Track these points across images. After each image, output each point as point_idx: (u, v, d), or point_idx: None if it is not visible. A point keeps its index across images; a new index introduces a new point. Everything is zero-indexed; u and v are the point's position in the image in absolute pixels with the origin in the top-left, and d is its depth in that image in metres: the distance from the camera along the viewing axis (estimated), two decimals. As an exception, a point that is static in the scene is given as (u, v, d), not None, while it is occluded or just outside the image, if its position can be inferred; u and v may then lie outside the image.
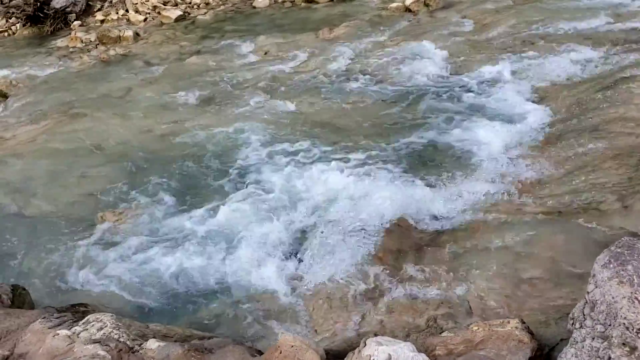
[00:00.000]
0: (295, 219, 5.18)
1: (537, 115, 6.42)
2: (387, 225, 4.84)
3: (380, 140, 6.48)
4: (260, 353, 3.06)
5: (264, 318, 4.22)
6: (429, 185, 5.40)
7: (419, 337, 3.40)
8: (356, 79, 8.33)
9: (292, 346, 2.71)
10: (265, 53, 10.20)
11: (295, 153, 6.38)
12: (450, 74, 8.01)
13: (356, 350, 2.70)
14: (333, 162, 6.03)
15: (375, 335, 3.11)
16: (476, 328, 3.06)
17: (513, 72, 7.61)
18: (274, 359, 2.77)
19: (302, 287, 4.36)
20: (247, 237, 4.96)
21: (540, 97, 6.89)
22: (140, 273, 4.84)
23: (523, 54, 8.15)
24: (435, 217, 4.97)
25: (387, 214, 4.96)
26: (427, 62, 8.44)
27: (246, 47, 10.70)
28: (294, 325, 4.07)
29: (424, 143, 6.33)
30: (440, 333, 3.27)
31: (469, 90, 7.40)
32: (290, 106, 7.70)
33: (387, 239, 4.66)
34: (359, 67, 8.79)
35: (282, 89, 8.38)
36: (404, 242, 4.64)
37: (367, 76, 8.36)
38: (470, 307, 3.88)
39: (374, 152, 6.21)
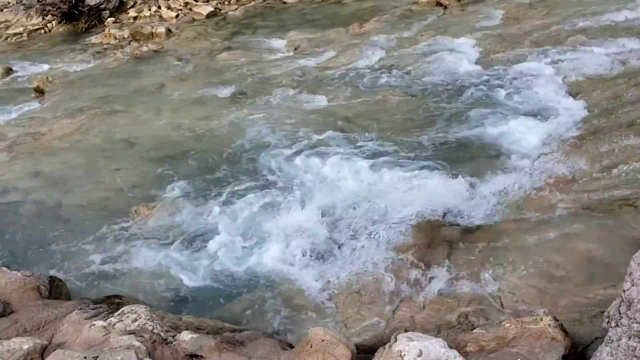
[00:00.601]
0: (325, 213, 5.17)
1: (571, 110, 6.30)
2: (418, 221, 4.82)
3: (411, 134, 6.44)
4: (291, 346, 3.08)
5: (294, 312, 4.23)
6: (461, 180, 5.34)
7: (449, 333, 3.37)
8: (386, 74, 8.30)
9: (323, 340, 2.73)
10: (296, 48, 10.23)
11: (326, 147, 6.39)
12: (483, 69, 7.91)
13: (387, 346, 2.70)
14: (363, 157, 6.03)
15: (406, 331, 3.10)
16: (508, 325, 3.04)
17: (547, 66, 7.48)
18: (304, 352, 2.78)
19: (332, 281, 4.36)
20: (277, 231, 4.99)
21: (575, 91, 6.75)
22: (172, 266, 4.90)
23: (557, 48, 8.00)
24: (466, 213, 4.92)
25: (417, 209, 4.94)
26: (459, 56, 8.35)
27: (276, 42, 10.75)
28: (323, 320, 4.07)
29: (456, 138, 6.27)
30: (472, 330, 3.25)
31: (502, 85, 7.30)
32: (321, 101, 7.72)
33: (418, 234, 4.64)
34: (390, 62, 8.75)
35: (312, 83, 8.40)
36: (434, 238, 4.61)
37: (398, 71, 8.32)
38: (501, 304, 3.84)
39: (404, 147, 6.18)
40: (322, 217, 5.12)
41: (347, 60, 9.08)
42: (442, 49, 8.79)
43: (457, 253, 4.41)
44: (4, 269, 3.79)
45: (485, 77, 7.61)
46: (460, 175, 5.40)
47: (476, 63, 8.13)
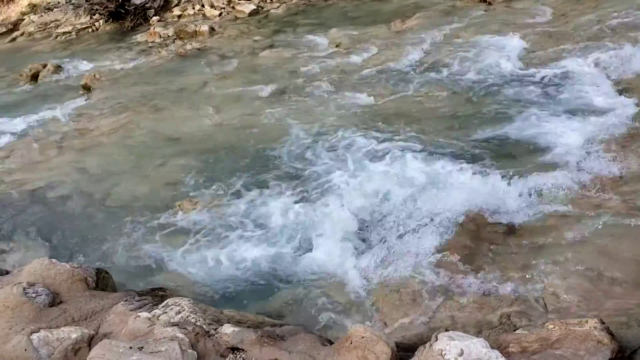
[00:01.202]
0: (366, 210, 5.16)
1: (620, 108, 6.11)
2: (460, 219, 4.76)
3: (454, 132, 6.37)
4: (330, 342, 3.09)
5: (333, 308, 4.24)
6: (504, 178, 5.25)
7: (491, 333, 3.33)
8: (429, 71, 8.22)
9: (363, 337, 2.73)
10: (337, 45, 10.23)
11: (367, 145, 6.36)
12: (528, 66, 7.73)
13: (427, 344, 2.68)
14: (405, 154, 5.98)
15: (446, 330, 3.07)
16: (552, 326, 2.98)
17: (595, 64, 7.26)
18: (344, 348, 2.79)
19: (372, 279, 4.36)
20: (318, 227, 5.01)
21: (624, 89, 6.55)
22: (214, 260, 4.98)
23: (605, 45, 7.74)
24: (510, 212, 4.83)
25: (460, 207, 4.88)
26: (504, 53, 8.20)
27: (318, 39, 10.77)
28: (362, 317, 4.08)
29: (499, 135, 6.16)
30: (514, 330, 3.19)
31: (547, 82, 7.14)
32: (362, 98, 7.70)
33: (460, 233, 4.59)
34: (432, 59, 8.66)
35: (354, 81, 8.38)
36: (477, 236, 4.55)
37: (440, 68, 8.22)
38: (545, 305, 3.77)
39: (447, 144, 6.11)
40: (363, 214, 5.11)
41: (388, 57, 9.02)
42: (486, 45, 8.64)
43: (500, 252, 4.34)
44: (54, 260, 3.90)
45: (530, 74, 7.44)
46: (504, 174, 5.31)
47: (521, 60, 7.95)
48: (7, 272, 4.10)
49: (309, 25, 11.97)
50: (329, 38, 10.72)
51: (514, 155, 5.78)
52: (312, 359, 2.81)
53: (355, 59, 9.29)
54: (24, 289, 3.43)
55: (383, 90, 7.86)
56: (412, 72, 8.30)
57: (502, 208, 4.88)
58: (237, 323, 3.54)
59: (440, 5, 11.45)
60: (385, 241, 4.73)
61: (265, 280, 4.69)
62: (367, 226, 4.98)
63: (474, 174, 5.42)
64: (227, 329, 3.08)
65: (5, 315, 3.28)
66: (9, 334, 3.13)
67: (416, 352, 2.75)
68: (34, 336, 2.97)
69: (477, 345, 2.54)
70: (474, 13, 10.57)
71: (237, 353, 2.92)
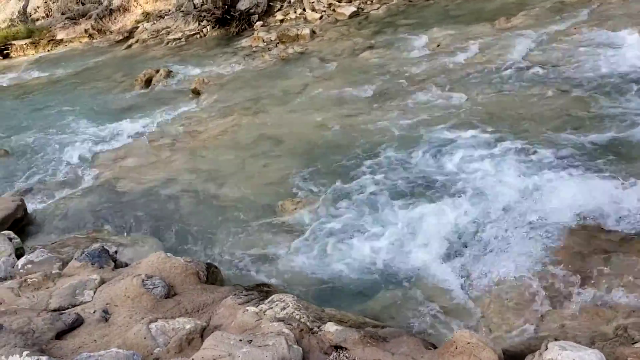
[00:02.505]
0: (470, 213, 5.06)
1: None
2: (571, 224, 4.54)
3: (563, 133, 6.09)
4: (434, 346, 3.06)
5: (435, 312, 4.18)
6: (618, 182, 4.95)
7: (605, 345, 3.15)
8: (536, 70, 7.91)
9: (469, 343, 2.68)
10: (438, 45, 10.09)
11: (471, 146, 6.24)
12: (645, 63, 7.25)
13: (537, 353, 2.59)
14: (511, 156, 5.81)
15: (556, 339, 2.95)
16: (676, 342, 2.78)
17: None
18: (448, 353, 2.76)
19: (476, 283, 4.26)
20: (421, 230, 4.97)
21: None
22: (315, 259, 5.06)
23: None
24: (625, 218, 4.55)
25: (570, 212, 4.66)
26: (618, 50, 7.73)
27: (419, 40, 10.67)
28: (466, 322, 3.99)
29: (612, 137, 5.82)
30: (633, 344, 3.01)
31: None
32: (465, 98, 7.55)
33: (571, 239, 4.38)
34: (539, 57, 8.33)
35: (456, 81, 8.24)
36: (589, 243, 4.32)
37: (548, 66, 7.90)
38: (667, 319, 3.52)
39: (555, 146, 5.86)
40: (468, 217, 5.01)
41: (492, 56, 8.79)
42: (599, 42, 8.18)
43: (614, 261, 4.09)
44: (169, 254, 4.14)
45: (647, 72, 6.98)
46: (619, 179, 5.01)
47: (636, 57, 7.45)
48: (127, 265, 4.40)
49: (410, 25, 11.89)
50: (429, 38, 10.60)
51: (630, 158, 5.43)
52: (416, 361, 2.80)
53: (457, 58, 9.13)
54: (143, 280, 3.66)
55: (487, 90, 7.66)
56: (517, 71, 8.03)
57: (618, 214, 4.60)
58: (339, 322, 3.58)
59: (547, 1, 10.99)
60: (489, 246, 4.61)
61: (366, 281, 4.71)
62: (471, 230, 4.87)
63: (585, 178, 5.17)
64: (331, 327, 3.13)
65: (126, 305, 3.53)
66: (130, 322, 3.37)
67: (524, 361, 2.66)
68: (152, 325, 3.17)
69: (591, 357, 2.42)
70: (584, 9, 10.05)
71: (340, 351, 2.96)
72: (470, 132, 6.54)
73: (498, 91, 7.56)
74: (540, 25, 9.69)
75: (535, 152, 5.82)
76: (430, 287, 4.38)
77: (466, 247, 4.72)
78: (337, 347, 3.00)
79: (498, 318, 3.86)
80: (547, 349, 2.56)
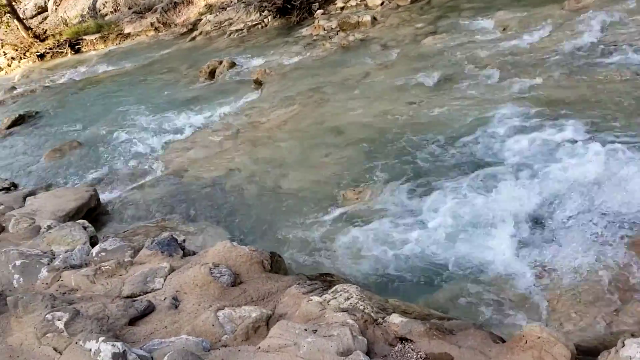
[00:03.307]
0: (539, 201, 4.89)
1: None
2: (651, 216, 4.32)
3: (639, 118, 5.78)
4: (502, 340, 2.99)
5: (502, 304, 4.08)
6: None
7: (687, 343, 2.98)
8: (608, 52, 7.53)
9: (539, 337, 2.60)
10: (504, 29, 9.78)
11: (540, 133, 6.02)
12: None
13: (612, 350, 2.48)
14: (582, 142, 5.56)
15: (633, 335, 2.82)
16: None
17: None
18: (518, 347, 2.68)
19: (546, 275, 4.12)
20: (486, 220, 4.85)
21: None
22: (377, 249, 5.03)
23: None
24: None
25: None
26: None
27: (484, 23, 10.38)
28: (534, 316, 3.88)
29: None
30: None
31: None
32: (533, 83, 7.28)
33: (648, 231, 4.17)
34: (612, 39, 7.92)
35: (523, 65, 7.96)
36: (668, 235, 4.11)
37: (623, 48, 7.49)
38: None
39: (630, 132, 5.56)
40: (536, 206, 4.83)
41: (562, 39, 8.43)
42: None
43: (698, 255, 3.88)
44: (234, 243, 4.21)
45: None
46: None
47: None
48: (194, 253, 4.51)
49: (474, 9, 11.57)
50: (495, 21, 10.28)
51: None
52: (483, 355, 2.74)
53: (524, 41, 8.82)
54: (210, 269, 3.75)
55: (555, 74, 7.37)
56: (588, 54, 7.68)
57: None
58: (403, 313, 3.55)
59: (622, -21, 10.42)
60: (559, 235, 4.44)
61: (430, 272, 4.64)
62: (539, 220, 4.71)
63: (665, 165, 4.89)
64: (396, 318, 3.11)
65: (194, 292, 3.63)
66: (198, 309, 3.46)
67: (599, 357, 2.56)
68: (220, 313, 3.24)
69: (673, 356, 2.30)
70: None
71: (406, 343, 2.93)
72: (538, 118, 6.31)
73: (568, 75, 7.25)
74: (614, 5, 9.21)
75: (608, 139, 5.55)
76: (497, 278, 4.27)
77: (535, 236, 4.56)
78: (402, 339, 2.98)
79: (569, 311, 3.72)
80: (624, 345, 2.45)
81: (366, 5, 14.33)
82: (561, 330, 3.49)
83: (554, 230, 4.55)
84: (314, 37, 13.23)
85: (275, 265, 4.37)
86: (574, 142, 5.64)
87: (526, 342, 2.65)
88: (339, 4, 14.96)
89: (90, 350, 2.67)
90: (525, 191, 5.06)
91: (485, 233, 4.71)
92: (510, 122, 6.42)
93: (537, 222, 4.70)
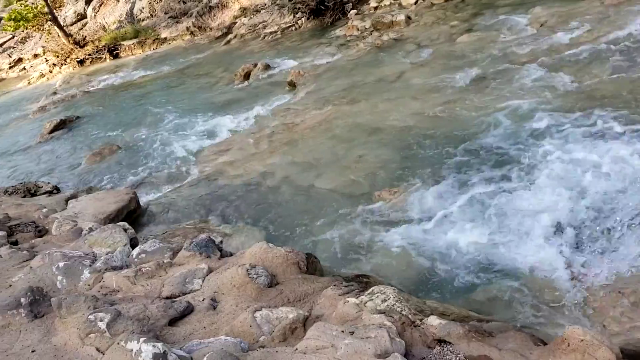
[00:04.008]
0: (580, 202, 4.78)
1: None
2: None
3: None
4: (544, 343, 2.93)
5: (543, 307, 4.00)
6: None
7: None
8: (652, 47, 7.32)
9: (582, 340, 2.54)
10: (541, 25, 9.59)
11: (578, 132, 5.88)
12: None
13: (659, 354, 2.41)
14: (624, 141, 5.42)
15: (681, 339, 2.73)
16: None
17: None
18: (560, 350, 2.63)
19: (588, 276, 4.03)
20: (525, 219, 4.77)
21: None
22: (414, 250, 4.99)
23: None
24: None
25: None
26: None
27: (520, 20, 10.20)
28: (576, 318, 3.79)
29: None
30: None
31: None
32: (572, 80, 7.12)
33: (696, 231, 4.04)
34: (655, 33, 7.71)
35: (561, 61, 7.80)
36: None
37: (667, 43, 7.28)
38: None
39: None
40: (578, 206, 4.73)
41: (602, 35, 8.22)
42: None
43: None
44: (271, 244, 4.23)
45: None
46: None
47: None
48: (231, 254, 4.55)
49: (510, 5, 11.39)
50: (532, 17, 10.11)
51: None
52: (524, 358, 2.69)
53: (562, 38, 8.63)
54: (247, 270, 3.77)
55: (595, 70, 7.19)
56: (630, 50, 7.46)
57: None
58: (441, 315, 3.51)
59: (665, -29, 10.11)
60: (603, 236, 4.33)
61: (467, 273, 4.58)
62: (581, 219, 4.60)
63: None
64: (434, 320, 3.07)
65: (232, 293, 3.66)
66: (236, 310, 3.49)
67: (646, 362, 2.48)
68: (257, 314, 3.26)
69: None
70: None
71: (444, 346, 2.90)
72: (577, 116, 6.17)
73: (609, 71, 7.07)
74: (657, -3, 8.97)
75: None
76: (537, 279, 4.20)
77: (577, 237, 4.46)
78: (441, 341, 2.95)
79: (613, 314, 3.63)
80: (671, 350, 2.37)
81: (400, 4, 14.24)
82: (604, 333, 3.40)
83: (597, 230, 4.45)
84: (348, 38, 13.21)
85: (311, 266, 4.37)
86: (615, 141, 5.50)
87: (569, 345, 2.59)
88: (373, 4, 14.90)
89: (132, 350, 2.72)
90: (567, 191, 4.95)
91: (525, 234, 4.63)
92: (550, 120, 6.29)
93: (578, 222, 4.59)
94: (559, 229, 4.56)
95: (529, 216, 4.80)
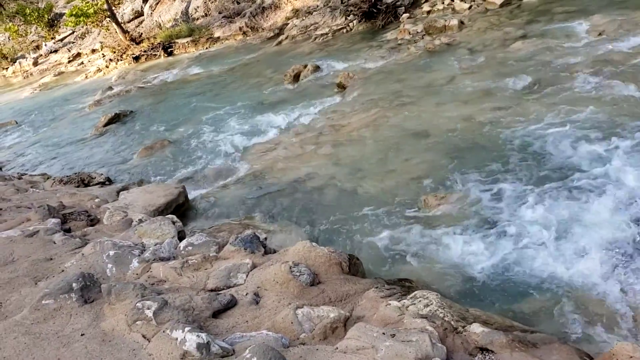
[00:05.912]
0: (630, 216, 4.63)
1: None
2: None
3: None
4: (590, 357, 2.86)
5: (588, 320, 3.90)
6: None
7: None
8: None
9: (632, 357, 2.47)
10: (600, 33, 9.32)
11: (637, 143, 5.69)
12: None
13: None
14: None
15: None
16: None
17: None
18: (607, 366, 2.56)
19: (637, 292, 3.90)
20: (573, 231, 4.65)
21: None
22: (459, 256, 4.93)
23: None
24: None
25: None
26: None
27: (578, 28, 9.94)
28: (624, 334, 3.68)
29: None
30: None
31: None
32: (630, 89, 6.89)
33: None
34: None
35: (620, 70, 7.56)
36: None
37: None
38: None
39: None
40: (627, 220, 4.58)
41: (664, 44, 7.95)
42: None
43: None
44: (314, 244, 4.26)
45: None
46: None
47: None
48: (275, 251, 4.61)
49: (568, 12, 11.11)
50: (590, 25, 9.82)
51: None
52: (569, 372, 2.63)
53: (622, 46, 8.37)
54: (290, 267, 3.81)
55: (657, 81, 6.95)
56: (695, 60, 7.18)
57: None
58: (484, 323, 3.47)
59: None
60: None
61: (512, 282, 4.50)
62: (630, 235, 4.45)
63: None
64: (477, 328, 3.04)
65: (275, 290, 3.71)
66: (278, 306, 3.53)
67: (698, 383, 2.39)
68: (299, 311, 3.29)
69: None
70: None
71: (486, 354, 2.87)
72: (637, 127, 5.97)
73: (671, 82, 6.83)
74: None
75: None
76: (584, 292, 4.09)
77: (625, 252, 4.32)
78: (483, 349, 2.91)
79: (664, 333, 3.51)
80: None
81: (453, 9, 14.09)
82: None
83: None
84: (399, 41, 13.14)
85: (354, 267, 4.38)
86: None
87: (617, 361, 2.52)
88: (426, 8, 14.78)
89: (177, 339, 2.79)
90: (616, 206, 4.81)
91: (574, 246, 4.51)
92: (606, 131, 6.10)
93: (626, 237, 4.44)
94: (611, 243, 4.42)
95: (576, 228, 4.68)
